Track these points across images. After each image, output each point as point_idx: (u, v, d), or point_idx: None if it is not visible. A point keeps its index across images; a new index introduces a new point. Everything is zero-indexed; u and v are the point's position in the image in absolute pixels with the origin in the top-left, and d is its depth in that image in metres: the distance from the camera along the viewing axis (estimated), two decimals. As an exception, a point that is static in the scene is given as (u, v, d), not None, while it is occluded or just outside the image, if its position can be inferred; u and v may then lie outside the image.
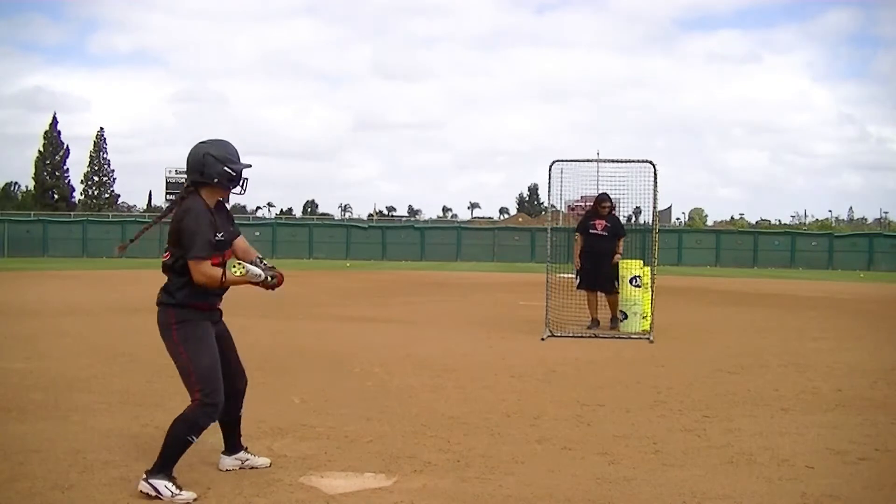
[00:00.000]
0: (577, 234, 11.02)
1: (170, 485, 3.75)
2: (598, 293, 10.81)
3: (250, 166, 4.08)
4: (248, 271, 3.90)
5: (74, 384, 6.47)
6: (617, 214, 10.91)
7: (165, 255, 3.97)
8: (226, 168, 3.93)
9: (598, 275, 10.63)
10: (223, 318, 4.18)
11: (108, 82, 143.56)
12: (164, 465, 3.81)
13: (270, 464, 4.31)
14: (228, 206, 4.24)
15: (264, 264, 4.03)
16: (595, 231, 10.71)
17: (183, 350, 3.89)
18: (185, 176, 4.02)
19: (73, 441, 4.72)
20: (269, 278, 3.95)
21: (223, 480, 4.05)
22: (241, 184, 4.02)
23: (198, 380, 3.87)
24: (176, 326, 3.91)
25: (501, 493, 3.97)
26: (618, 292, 10.63)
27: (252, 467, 4.23)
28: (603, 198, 10.77)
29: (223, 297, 4.09)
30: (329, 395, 6.27)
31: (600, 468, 4.40)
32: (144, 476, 3.80)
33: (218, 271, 3.85)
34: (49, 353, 8.14)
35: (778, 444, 4.92)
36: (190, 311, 3.92)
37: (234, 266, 3.90)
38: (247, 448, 4.31)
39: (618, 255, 10.66)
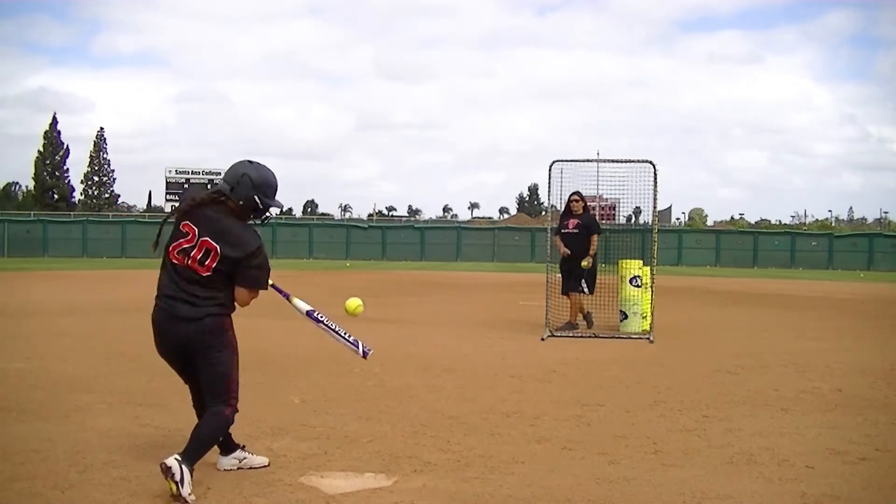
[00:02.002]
0: (556, 237, 10.67)
1: (190, 479, 3.73)
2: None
3: (281, 206, 4.19)
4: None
5: (74, 384, 6.47)
6: (606, 213, 10.78)
7: (202, 268, 3.88)
8: (255, 196, 3.94)
9: (570, 275, 10.44)
10: None
11: (112, 83, 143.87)
12: (195, 459, 3.81)
13: (269, 463, 4.31)
14: None
15: None
16: (567, 230, 10.52)
17: (233, 358, 4.01)
18: (222, 181, 3.99)
19: (73, 441, 4.71)
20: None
21: (223, 480, 4.05)
22: (262, 217, 4.06)
23: (234, 386, 3.99)
24: (230, 333, 4.01)
25: (501, 493, 3.97)
26: (583, 292, 10.42)
27: (250, 466, 4.23)
28: (571, 196, 10.54)
29: None
30: (329, 395, 6.27)
31: (600, 468, 4.40)
32: (180, 458, 3.71)
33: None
34: (49, 353, 8.13)
35: (778, 444, 4.92)
36: (231, 321, 4.05)
37: None
38: (244, 446, 4.30)
39: (588, 259, 10.26)
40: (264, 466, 4.27)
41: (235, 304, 4.03)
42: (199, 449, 3.87)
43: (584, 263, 10.25)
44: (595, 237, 10.44)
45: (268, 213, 4.06)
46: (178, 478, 3.67)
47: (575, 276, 10.38)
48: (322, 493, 3.92)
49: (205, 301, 3.90)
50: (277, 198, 4.06)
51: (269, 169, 4.05)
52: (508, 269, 33.59)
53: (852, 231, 56.18)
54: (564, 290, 10.59)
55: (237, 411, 4.01)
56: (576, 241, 10.40)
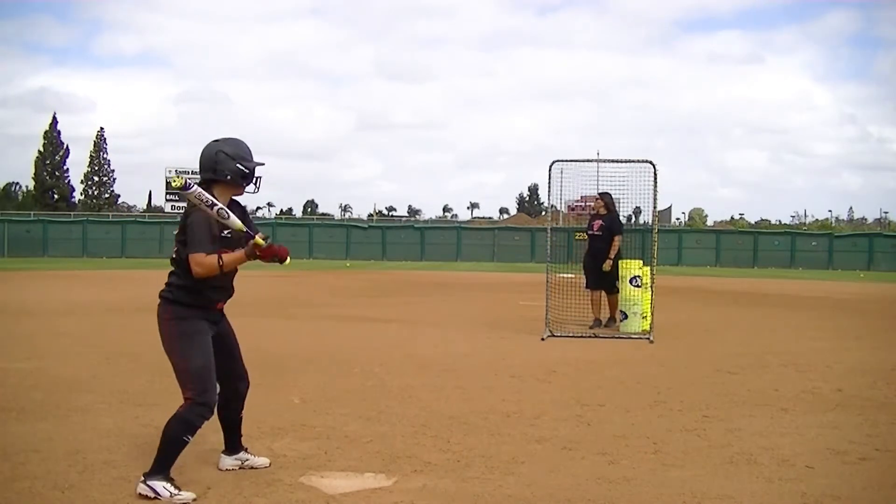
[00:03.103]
0: (585, 234, 11.34)
1: (168, 485, 3.75)
2: (601, 293, 11.03)
3: (263, 164, 4.11)
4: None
5: (74, 384, 6.47)
6: (617, 213, 11.04)
7: (175, 249, 3.95)
8: (238, 165, 3.95)
9: (599, 274, 10.84)
10: (228, 319, 4.18)
11: (113, 83, 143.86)
12: (161, 467, 3.80)
13: (270, 464, 4.32)
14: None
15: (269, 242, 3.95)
16: (592, 231, 11.01)
17: (177, 347, 3.88)
18: (200, 175, 4.00)
19: (73, 441, 4.71)
20: (265, 239, 3.86)
21: (223, 480, 4.05)
22: (254, 181, 4.04)
23: (190, 379, 3.85)
24: (172, 322, 3.90)
25: (501, 493, 3.97)
26: (618, 291, 10.72)
27: (252, 467, 4.23)
28: (596, 197, 11.05)
29: (227, 297, 4.09)
30: (329, 395, 6.27)
31: (600, 468, 4.40)
32: (142, 478, 3.79)
33: (214, 258, 3.79)
34: (49, 353, 8.14)
35: (778, 444, 4.92)
36: (187, 309, 3.90)
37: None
38: (247, 448, 4.31)
39: (608, 261, 10.66)
40: (265, 467, 4.27)
41: (194, 292, 3.90)
42: (163, 453, 3.83)
43: (604, 267, 10.67)
44: (616, 238, 10.78)
45: (257, 176, 4.05)
46: (153, 495, 3.72)
47: (604, 275, 10.78)
48: (322, 493, 3.92)
49: (167, 282, 3.96)
50: (255, 158, 4.07)
51: (235, 138, 4.06)
52: (508, 269, 33.59)
53: (852, 231, 56.19)
54: (589, 285, 11.02)
55: (204, 406, 3.86)
56: (599, 243, 10.85)
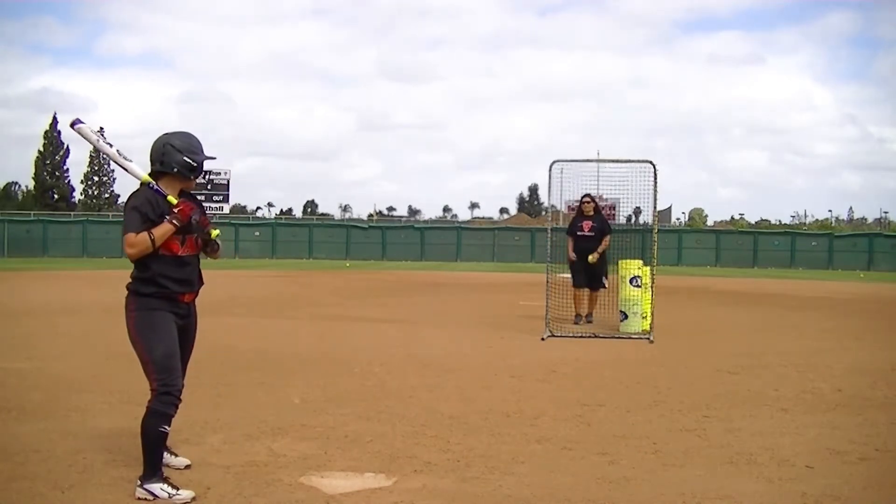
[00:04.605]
0: (567, 235, 11.51)
1: (165, 486, 3.74)
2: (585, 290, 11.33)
3: (214, 158, 4.15)
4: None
5: (74, 384, 6.47)
6: (606, 213, 11.29)
7: None
8: (185, 158, 3.96)
9: (590, 273, 11.09)
10: (197, 318, 4.13)
11: (115, 83, 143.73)
12: (151, 467, 3.79)
13: (189, 465, 4.20)
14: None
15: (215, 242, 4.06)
16: (582, 233, 11.20)
17: (139, 338, 3.88)
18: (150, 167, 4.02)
19: (73, 441, 4.71)
20: (194, 221, 3.90)
21: (223, 480, 4.05)
22: (203, 174, 4.02)
23: (154, 369, 3.85)
24: (135, 315, 3.90)
25: (501, 493, 3.97)
26: (602, 288, 11.12)
27: (166, 465, 4.04)
28: (584, 198, 11.25)
29: (192, 290, 4.02)
30: (329, 395, 6.27)
31: (600, 468, 4.40)
32: (139, 483, 3.78)
33: (145, 235, 3.79)
34: (49, 353, 8.14)
35: (778, 444, 4.92)
36: (150, 300, 3.89)
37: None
38: (169, 447, 4.14)
39: (595, 255, 11.00)
40: (184, 468, 4.16)
41: (155, 283, 3.89)
42: (148, 451, 3.81)
43: (590, 258, 10.95)
44: (607, 237, 11.20)
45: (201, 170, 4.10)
46: (152, 498, 3.71)
47: (595, 273, 11.12)
48: (322, 493, 3.92)
49: (131, 274, 3.97)
50: (205, 152, 4.08)
51: (185, 132, 4.09)
52: (508, 269, 33.58)
53: (852, 231, 56.17)
54: (578, 283, 11.26)
55: (170, 395, 3.83)
56: (592, 243, 11.09)
